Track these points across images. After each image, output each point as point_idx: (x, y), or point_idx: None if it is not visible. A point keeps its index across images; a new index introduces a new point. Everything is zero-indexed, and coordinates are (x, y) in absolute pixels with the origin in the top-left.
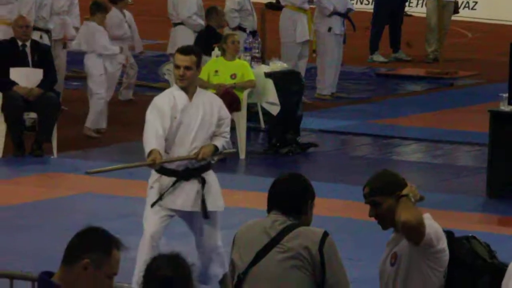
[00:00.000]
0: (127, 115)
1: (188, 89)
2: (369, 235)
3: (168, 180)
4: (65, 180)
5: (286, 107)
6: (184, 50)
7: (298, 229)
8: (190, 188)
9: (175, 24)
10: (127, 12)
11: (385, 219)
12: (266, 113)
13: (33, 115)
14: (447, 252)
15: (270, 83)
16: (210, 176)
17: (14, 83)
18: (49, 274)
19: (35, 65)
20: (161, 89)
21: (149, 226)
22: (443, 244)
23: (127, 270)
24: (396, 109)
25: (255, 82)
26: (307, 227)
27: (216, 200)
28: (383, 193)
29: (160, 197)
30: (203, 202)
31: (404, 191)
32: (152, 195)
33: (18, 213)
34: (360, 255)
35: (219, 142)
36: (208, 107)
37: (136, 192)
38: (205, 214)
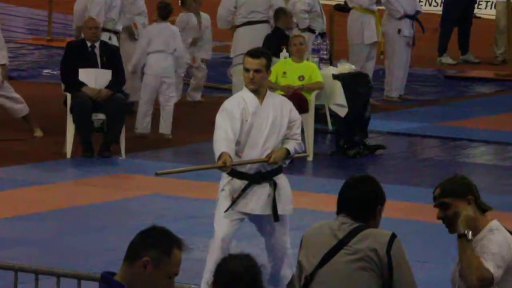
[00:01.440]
0: (195, 117)
1: (259, 92)
2: (437, 237)
3: (239, 183)
4: (133, 181)
5: (354, 109)
6: (253, 53)
7: (365, 231)
8: (261, 191)
9: (238, 26)
10: (204, 15)
11: (453, 222)
12: (333, 115)
13: (101, 116)
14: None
15: (338, 85)
16: (282, 179)
17: (83, 84)
18: (112, 274)
19: (103, 66)
20: (229, 91)
21: (221, 229)
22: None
23: (190, 270)
24: (464, 111)
25: (323, 84)
26: (375, 229)
27: (286, 204)
28: (454, 195)
29: (233, 202)
30: (274, 205)
31: (461, 227)
32: (224, 198)
33: (86, 214)
34: (428, 258)
35: (291, 145)
36: (278, 109)
37: (203, 193)
38: (276, 217)
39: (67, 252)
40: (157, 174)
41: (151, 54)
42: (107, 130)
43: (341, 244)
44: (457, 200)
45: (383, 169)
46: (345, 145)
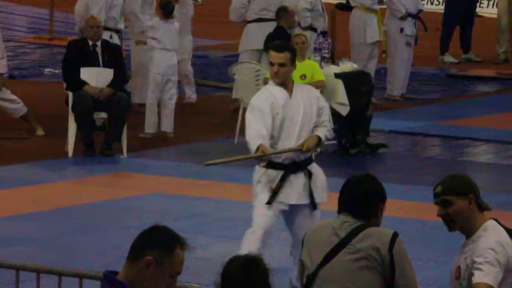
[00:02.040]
0: (197, 115)
1: (285, 85)
2: (439, 236)
3: (275, 173)
4: (135, 180)
5: (355, 108)
6: (278, 48)
7: (367, 230)
8: (298, 181)
9: (248, 22)
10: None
11: (453, 220)
12: (335, 113)
13: (103, 114)
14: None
15: (339, 84)
16: (316, 168)
17: (84, 83)
18: (114, 273)
19: (105, 65)
20: (230, 89)
21: (263, 221)
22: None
23: (193, 269)
24: (466, 110)
25: (324, 83)
26: (377, 228)
27: (322, 192)
28: (455, 193)
29: (274, 193)
30: (311, 194)
31: (487, 279)
32: (262, 190)
33: (87, 212)
34: (430, 256)
35: (322, 132)
36: (307, 98)
37: (205, 192)
38: (314, 205)
39: (69, 250)
40: (206, 165)
41: (157, 53)
42: (108, 129)
43: (343, 243)
44: (459, 198)
45: (385, 168)
46: (347, 144)
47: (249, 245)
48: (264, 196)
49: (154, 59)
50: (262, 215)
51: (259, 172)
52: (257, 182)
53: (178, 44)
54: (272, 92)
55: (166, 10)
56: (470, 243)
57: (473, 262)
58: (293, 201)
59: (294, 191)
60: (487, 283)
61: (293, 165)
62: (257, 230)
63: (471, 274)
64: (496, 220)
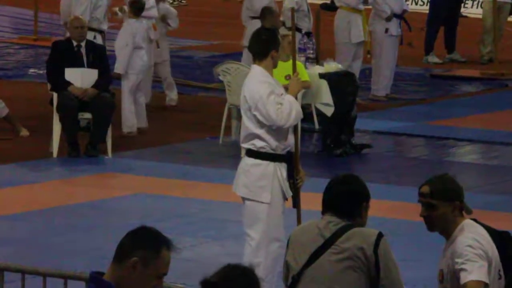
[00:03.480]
0: (180, 116)
1: None
2: (423, 236)
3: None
4: (120, 180)
5: (340, 108)
6: None
7: (352, 230)
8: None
9: (252, 18)
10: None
11: (435, 223)
12: (320, 114)
13: (87, 115)
14: (492, 265)
15: (324, 84)
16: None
17: (69, 84)
18: (100, 274)
19: (90, 66)
20: (216, 90)
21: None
22: (490, 268)
23: (178, 270)
24: (450, 110)
25: (309, 83)
26: (362, 228)
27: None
28: (443, 198)
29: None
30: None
31: (475, 276)
32: (267, 192)
33: (72, 213)
34: (414, 256)
35: None
36: None
37: (190, 192)
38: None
39: (54, 251)
40: None
41: (131, 52)
42: (93, 129)
43: (328, 243)
44: (445, 203)
45: (370, 168)
46: (332, 144)
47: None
48: (276, 200)
49: (130, 58)
50: (277, 224)
51: (257, 169)
52: (256, 182)
53: (148, 41)
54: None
55: (136, 7)
56: (449, 245)
57: (455, 263)
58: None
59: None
60: (474, 280)
61: (289, 155)
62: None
63: (455, 276)
64: (475, 220)
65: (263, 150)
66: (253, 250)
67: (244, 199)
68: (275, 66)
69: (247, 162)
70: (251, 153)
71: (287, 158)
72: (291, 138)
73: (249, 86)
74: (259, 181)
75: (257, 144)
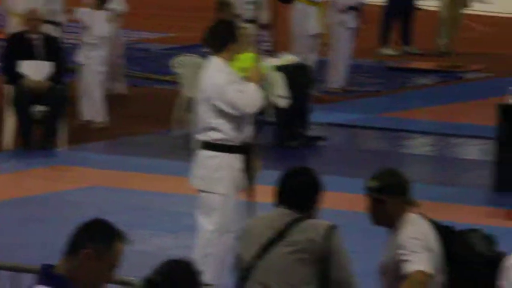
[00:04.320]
0: (135, 108)
1: None
2: (376, 229)
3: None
4: (74, 173)
5: (295, 101)
6: None
7: (304, 222)
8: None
9: None
10: None
11: (382, 217)
12: (275, 106)
13: (42, 108)
14: (435, 258)
15: (280, 77)
16: None
17: (23, 76)
18: (52, 266)
19: (45, 58)
20: (171, 82)
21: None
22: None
23: (132, 262)
24: (405, 103)
25: (265, 75)
26: (314, 220)
27: None
28: (390, 193)
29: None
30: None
31: (420, 266)
32: (227, 183)
33: (26, 206)
34: (367, 248)
35: None
36: None
37: (144, 185)
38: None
39: (6, 244)
40: None
41: (90, 45)
42: (47, 122)
43: (280, 235)
44: (392, 198)
45: (324, 160)
46: (287, 136)
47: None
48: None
49: (86, 52)
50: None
51: (215, 160)
52: (214, 173)
53: (108, 34)
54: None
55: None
56: (394, 237)
57: (398, 255)
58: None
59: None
60: (418, 269)
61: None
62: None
63: (398, 269)
64: (421, 214)
65: (219, 142)
66: (206, 241)
67: (200, 191)
68: (233, 59)
69: (203, 154)
70: (207, 145)
71: (244, 149)
72: (248, 129)
73: (210, 76)
74: (215, 173)
75: (213, 136)
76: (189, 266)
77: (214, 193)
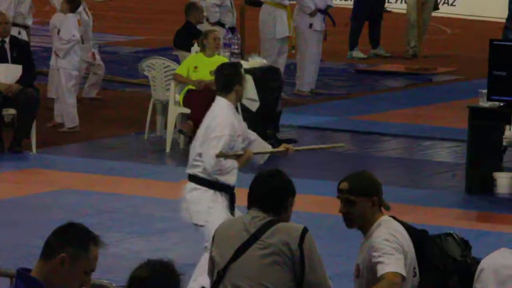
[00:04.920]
0: (105, 112)
1: None
2: (348, 231)
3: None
4: (44, 176)
5: (265, 103)
6: None
7: (277, 225)
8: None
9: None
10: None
11: (354, 219)
12: (245, 109)
13: (12, 111)
14: (408, 261)
15: (249, 80)
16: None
17: None
18: (28, 270)
19: (14, 61)
20: (141, 85)
21: None
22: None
23: (105, 266)
24: (375, 105)
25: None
26: (287, 223)
27: None
28: (361, 194)
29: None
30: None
31: (392, 267)
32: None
33: None
34: (339, 251)
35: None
36: None
37: (115, 188)
38: None
39: None
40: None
41: (75, 47)
42: (17, 125)
43: (253, 238)
44: (363, 199)
45: (295, 163)
46: None
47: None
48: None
49: (69, 55)
50: None
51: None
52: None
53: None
54: None
55: (71, 4)
56: (366, 240)
57: (371, 257)
58: None
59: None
60: (391, 271)
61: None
62: None
63: (371, 271)
64: (394, 217)
65: (201, 176)
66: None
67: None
68: (239, 100)
69: (187, 186)
70: (191, 178)
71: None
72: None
73: (217, 119)
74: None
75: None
76: (173, 267)
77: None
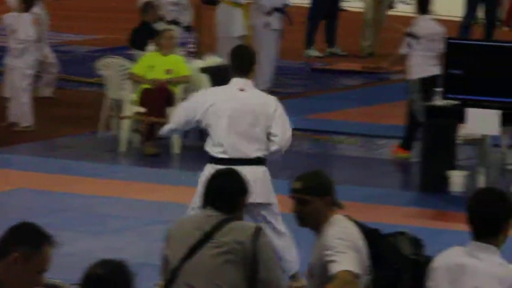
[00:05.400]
0: (62, 111)
1: None
2: (301, 230)
3: None
4: None
5: None
6: None
7: (231, 223)
8: None
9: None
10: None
11: (307, 218)
12: None
13: None
14: (360, 258)
15: (205, 78)
16: None
17: None
18: None
19: None
20: (96, 84)
21: None
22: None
23: (58, 265)
24: (331, 104)
25: (190, 77)
26: (240, 222)
27: None
28: (314, 193)
29: None
30: None
31: (346, 266)
32: None
33: None
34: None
35: None
36: None
37: (70, 187)
38: None
39: None
40: None
41: (17, 48)
42: None
43: (207, 237)
44: (316, 199)
45: None
46: None
47: None
48: None
49: (25, 54)
50: None
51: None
52: None
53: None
54: None
55: (29, 3)
56: (319, 239)
57: (324, 256)
58: None
59: None
60: (344, 269)
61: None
62: None
63: (325, 270)
64: (347, 216)
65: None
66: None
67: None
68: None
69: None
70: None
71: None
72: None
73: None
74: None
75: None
76: (127, 265)
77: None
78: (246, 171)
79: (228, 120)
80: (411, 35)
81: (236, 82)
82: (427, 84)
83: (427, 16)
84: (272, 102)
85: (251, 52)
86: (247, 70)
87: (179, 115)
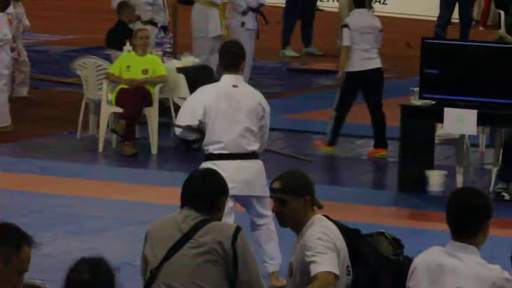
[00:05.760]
0: (40, 111)
1: None
2: (281, 230)
3: None
4: None
5: None
6: None
7: (210, 224)
8: None
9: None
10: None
11: (287, 218)
12: (178, 108)
13: None
14: (340, 259)
15: (181, 78)
16: None
17: None
18: None
19: None
20: (73, 84)
21: None
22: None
23: (37, 265)
24: (308, 104)
25: (166, 77)
26: (220, 222)
27: None
28: (293, 193)
29: None
30: None
31: (326, 267)
32: None
33: None
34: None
35: None
36: None
37: (47, 188)
38: None
39: None
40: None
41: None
42: None
43: (186, 237)
44: (295, 198)
45: None
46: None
47: None
48: None
49: (0, 54)
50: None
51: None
52: None
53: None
54: None
55: (4, 3)
56: (299, 239)
57: (304, 256)
58: None
59: None
60: (324, 271)
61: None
62: None
63: (305, 270)
64: (327, 216)
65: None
66: None
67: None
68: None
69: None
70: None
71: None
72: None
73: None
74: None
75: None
76: (107, 263)
77: None
78: (246, 165)
79: (225, 117)
80: (346, 27)
81: (228, 78)
82: (369, 78)
83: (364, 10)
84: (264, 106)
85: (240, 48)
86: (238, 66)
87: (184, 116)
